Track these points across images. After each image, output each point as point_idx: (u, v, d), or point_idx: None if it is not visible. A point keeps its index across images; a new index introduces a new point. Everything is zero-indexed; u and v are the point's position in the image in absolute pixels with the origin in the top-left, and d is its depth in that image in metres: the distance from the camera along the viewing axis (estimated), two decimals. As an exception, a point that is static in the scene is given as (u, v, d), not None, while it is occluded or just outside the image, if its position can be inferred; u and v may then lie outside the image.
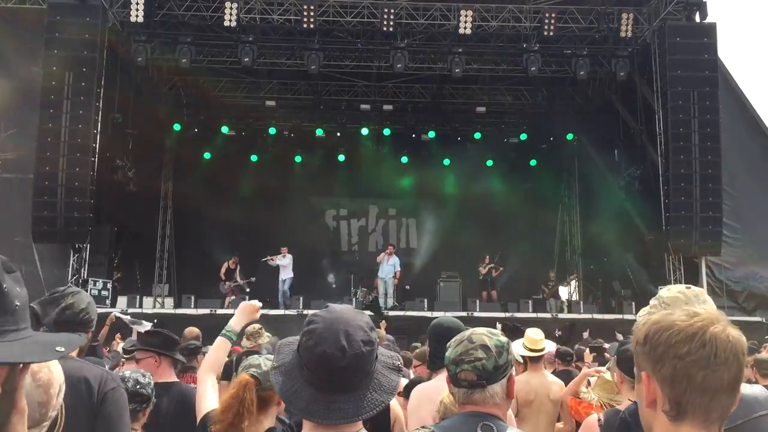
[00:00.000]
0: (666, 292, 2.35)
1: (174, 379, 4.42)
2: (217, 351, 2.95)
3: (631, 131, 18.03)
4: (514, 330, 7.04)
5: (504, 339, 2.31)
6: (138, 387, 3.30)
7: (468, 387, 2.21)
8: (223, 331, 3.04)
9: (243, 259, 17.88)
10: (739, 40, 52.17)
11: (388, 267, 17.65)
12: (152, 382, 3.45)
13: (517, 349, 5.48)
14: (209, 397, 2.81)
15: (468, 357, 2.22)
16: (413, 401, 3.57)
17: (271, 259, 17.70)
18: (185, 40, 16.33)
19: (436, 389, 3.24)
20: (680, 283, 15.27)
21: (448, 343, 2.34)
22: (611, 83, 18.32)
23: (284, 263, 17.63)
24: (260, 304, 3.28)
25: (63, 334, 1.36)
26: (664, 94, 15.70)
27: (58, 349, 1.25)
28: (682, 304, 2.26)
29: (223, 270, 17.59)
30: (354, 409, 1.62)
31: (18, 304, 1.20)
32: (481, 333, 2.32)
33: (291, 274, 17.62)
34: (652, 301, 2.37)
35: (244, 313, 3.13)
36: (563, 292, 19.55)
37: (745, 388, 2.17)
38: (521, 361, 5.42)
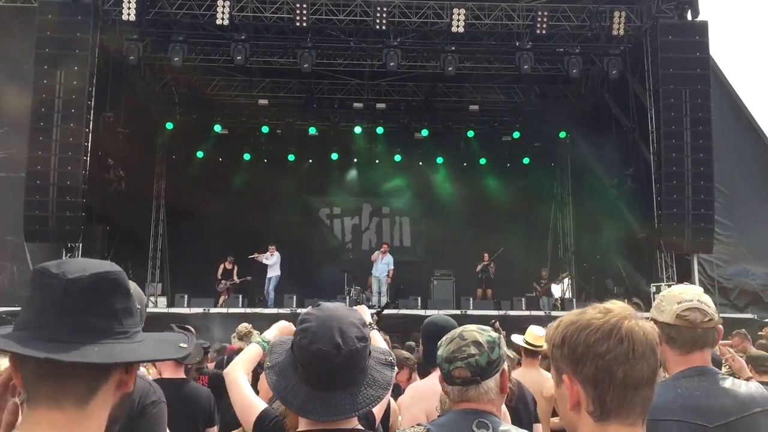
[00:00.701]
0: (666, 291, 2.38)
1: (182, 376, 4.45)
2: (251, 354, 2.87)
3: (623, 129, 18.09)
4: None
5: (495, 334, 2.32)
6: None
7: (462, 384, 2.21)
8: (259, 340, 3.02)
9: (237, 258, 17.88)
10: (731, 38, 52.39)
11: (382, 265, 17.69)
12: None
13: (517, 340, 5.52)
14: (254, 396, 2.71)
15: (461, 354, 2.23)
16: (406, 399, 3.57)
17: (258, 256, 17.70)
18: (177, 39, 16.28)
19: (430, 387, 3.25)
20: (672, 280, 15.38)
21: (440, 342, 2.34)
22: (604, 81, 18.37)
23: (271, 262, 17.63)
24: (293, 327, 3.27)
25: (175, 333, 1.42)
26: (656, 92, 15.75)
27: (182, 345, 1.35)
28: (676, 298, 2.28)
29: (219, 271, 17.59)
30: (350, 405, 1.63)
31: (139, 306, 1.32)
32: (471, 329, 2.32)
33: (278, 272, 17.63)
34: (654, 302, 2.39)
35: (279, 328, 3.11)
36: (556, 290, 19.59)
37: (741, 386, 2.19)
38: (512, 357, 5.44)
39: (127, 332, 1.27)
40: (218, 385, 5.78)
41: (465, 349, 2.23)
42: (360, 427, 1.71)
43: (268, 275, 17.61)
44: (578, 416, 1.42)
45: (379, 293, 17.42)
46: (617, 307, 1.43)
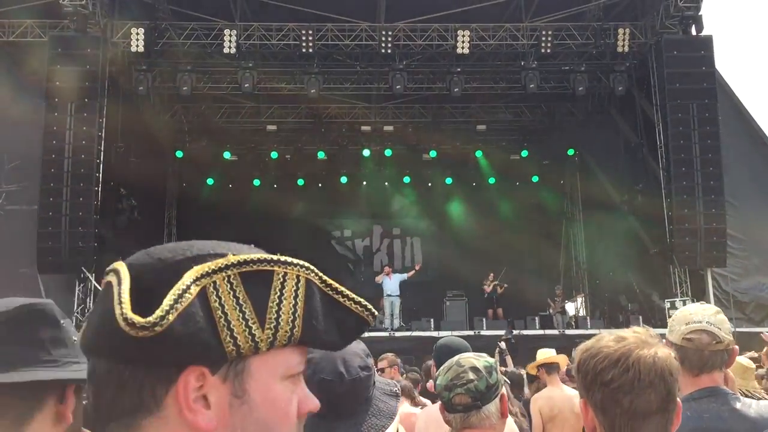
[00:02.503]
0: (679, 310, 2.37)
1: None
2: None
3: (632, 145, 18.06)
4: (512, 345, 7.03)
5: (491, 359, 2.35)
6: None
7: (463, 410, 2.22)
8: None
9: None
10: (737, 51, 52.41)
11: (392, 283, 17.54)
12: None
13: (531, 370, 5.50)
14: None
15: (460, 381, 2.24)
16: (420, 423, 3.56)
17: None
18: (185, 68, 16.47)
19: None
20: (686, 295, 15.27)
21: (439, 371, 2.36)
22: (610, 98, 18.40)
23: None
24: None
25: None
26: (663, 107, 15.75)
27: None
28: (686, 318, 2.26)
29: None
30: None
31: (75, 339, 1.30)
32: (468, 356, 2.36)
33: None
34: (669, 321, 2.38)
35: None
36: (570, 308, 19.46)
37: (751, 406, 2.16)
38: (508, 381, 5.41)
39: (57, 361, 1.27)
40: None
41: (463, 375, 2.25)
42: None
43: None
44: None
45: (392, 315, 17.32)
46: (633, 335, 1.44)
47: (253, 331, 0.81)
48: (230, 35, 15.81)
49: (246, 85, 16.25)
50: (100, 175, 15.27)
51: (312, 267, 0.90)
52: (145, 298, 0.77)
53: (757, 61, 57.12)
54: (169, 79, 17.02)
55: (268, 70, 17.38)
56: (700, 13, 15.75)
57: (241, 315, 0.80)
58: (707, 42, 15.75)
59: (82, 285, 15.55)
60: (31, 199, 15.29)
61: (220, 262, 0.83)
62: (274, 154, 20.67)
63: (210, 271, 0.81)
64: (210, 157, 20.70)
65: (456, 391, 2.23)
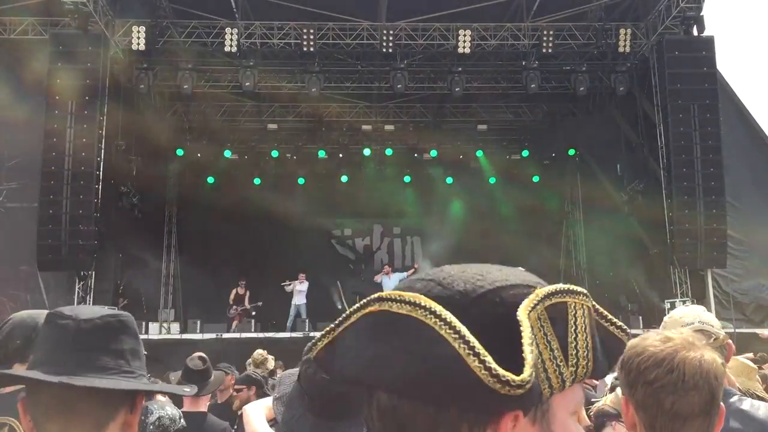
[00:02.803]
0: (668, 316, 2.35)
1: (201, 409, 4.45)
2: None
3: (632, 145, 18.06)
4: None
5: None
6: (160, 421, 3.36)
7: None
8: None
9: (249, 283, 17.90)
10: (739, 51, 52.40)
11: (391, 283, 17.53)
12: (176, 414, 3.49)
13: None
14: (268, 430, 2.69)
15: None
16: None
17: (288, 283, 17.70)
18: (186, 67, 16.47)
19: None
20: (686, 296, 15.27)
21: None
22: (611, 98, 18.37)
23: (301, 288, 17.61)
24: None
25: (183, 386, 1.56)
26: (665, 107, 15.75)
27: (186, 389, 1.59)
28: (678, 322, 2.25)
29: (232, 296, 17.58)
30: None
31: (145, 353, 1.41)
32: None
33: (304, 300, 17.56)
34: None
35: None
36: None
37: (759, 408, 2.15)
38: None
39: (134, 372, 1.32)
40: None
41: None
42: None
43: (295, 302, 17.53)
44: None
45: None
46: (679, 335, 1.43)
47: (562, 370, 0.78)
48: (231, 34, 15.81)
49: (247, 84, 16.24)
50: (101, 173, 15.27)
51: (587, 294, 0.85)
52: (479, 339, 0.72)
53: (759, 62, 57.10)
54: (170, 78, 17.00)
55: (269, 68, 17.37)
56: (701, 14, 15.73)
57: (551, 353, 0.78)
58: (709, 42, 15.74)
59: (82, 283, 15.55)
60: (31, 196, 15.29)
61: (534, 297, 0.78)
62: (274, 153, 20.65)
63: (531, 308, 0.76)
64: (210, 156, 20.68)
65: None
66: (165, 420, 3.36)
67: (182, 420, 3.53)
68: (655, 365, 1.37)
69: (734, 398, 2.18)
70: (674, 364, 1.36)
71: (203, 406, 4.48)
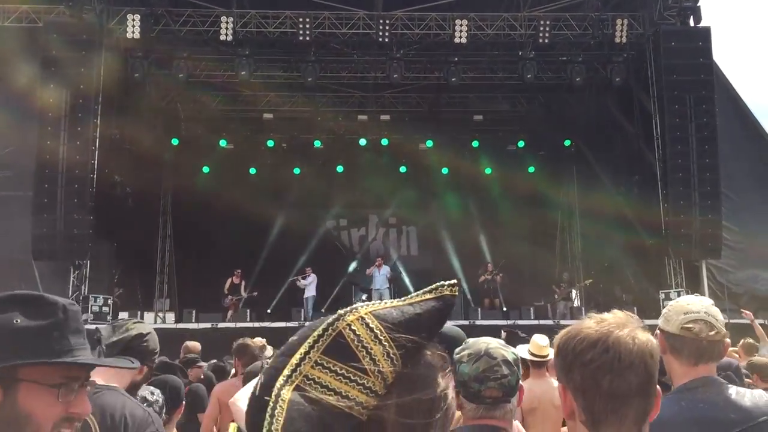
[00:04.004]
0: (675, 301, 2.35)
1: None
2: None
3: (628, 136, 18.06)
4: (516, 336, 7.03)
5: (514, 350, 2.31)
6: (144, 404, 3.33)
7: (492, 403, 2.19)
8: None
9: (244, 272, 17.91)
10: (735, 43, 52.39)
11: (381, 277, 17.62)
12: (161, 399, 3.47)
13: (522, 353, 5.46)
14: None
15: (494, 374, 2.20)
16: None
17: (298, 279, 17.76)
18: (182, 55, 16.40)
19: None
20: (681, 287, 15.31)
21: (460, 357, 2.30)
22: (607, 89, 18.35)
23: (308, 282, 17.69)
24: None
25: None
26: (661, 98, 15.75)
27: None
28: (683, 309, 2.25)
29: (227, 285, 17.56)
30: None
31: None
32: (496, 347, 2.30)
33: (314, 293, 17.65)
34: (663, 312, 2.36)
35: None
36: (574, 294, 19.46)
37: (745, 395, 2.16)
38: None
39: (87, 349, 1.51)
40: (193, 400, 5.76)
41: (497, 369, 2.21)
42: None
43: (306, 295, 17.63)
44: (575, 426, 1.41)
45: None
46: (614, 317, 1.42)
47: (367, 384, 0.96)
48: (227, 23, 15.73)
49: (242, 73, 16.19)
50: (95, 162, 15.22)
51: (354, 308, 1.01)
52: None
53: (756, 53, 57.11)
54: (165, 66, 16.92)
55: (265, 58, 17.30)
56: (698, 4, 15.74)
57: (345, 379, 0.95)
58: (705, 33, 15.73)
59: (76, 272, 15.53)
60: (26, 185, 15.23)
61: (290, 366, 0.96)
62: (270, 143, 20.60)
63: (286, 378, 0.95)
64: (206, 145, 20.63)
65: (488, 384, 2.20)
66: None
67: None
68: (590, 346, 1.37)
69: (721, 387, 2.19)
70: (609, 344, 1.36)
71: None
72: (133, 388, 2.92)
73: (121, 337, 2.81)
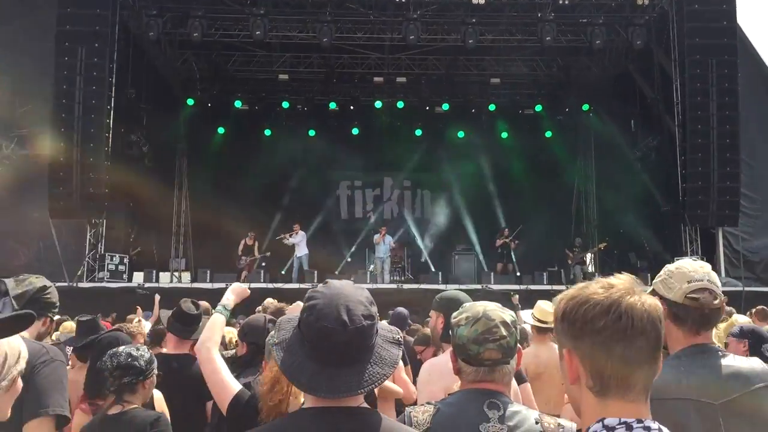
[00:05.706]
0: (674, 266, 2.32)
1: (185, 351, 4.47)
2: (215, 326, 2.92)
3: (647, 101, 17.79)
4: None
5: (512, 312, 2.31)
6: (130, 360, 3.39)
7: (491, 365, 2.20)
8: (218, 308, 3.08)
9: (259, 233, 18.00)
10: (760, 6, 51.14)
11: (384, 247, 17.62)
12: (147, 354, 3.50)
13: (526, 318, 5.47)
14: (229, 376, 2.73)
15: (492, 336, 2.20)
16: (424, 375, 3.55)
17: (285, 237, 17.74)
18: (196, 14, 16.23)
19: (448, 364, 3.23)
20: (696, 254, 15.22)
21: (458, 321, 2.30)
22: (628, 52, 18.01)
23: (296, 240, 17.66)
24: (247, 286, 3.39)
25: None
26: (682, 62, 15.48)
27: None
28: (686, 276, 2.23)
29: (240, 247, 17.65)
30: (356, 382, 1.63)
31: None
32: (494, 309, 2.30)
33: (305, 251, 17.63)
34: (661, 277, 2.33)
35: (235, 292, 3.20)
36: (588, 259, 19.40)
37: (743, 362, 2.18)
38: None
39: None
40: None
41: (495, 330, 2.21)
42: (366, 405, 1.71)
43: (297, 254, 17.62)
44: (579, 391, 1.41)
45: (383, 271, 17.35)
46: (620, 281, 1.40)
47: None
48: (242, -19, 15.54)
49: (257, 33, 16.02)
50: (111, 122, 15.25)
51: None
52: None
53: (781, 17, 55.68)
54: (180, 25, 16.79)
55: (280, 17, 17.11)
56: (723, -34, 15.34)
57: None
58: (730, -5, 15.36)
59: (93, 230, 15.68)
60: (42, 144, 15.31)
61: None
62: (285, 104, 20.54)
63: None
64: (221, 106, 20.61)
65: (487, 345, 2.19)
66: (121, 357, 3.39)
67: (152, 363, 3.50)
68: (603, 313, 1.35)
69: (717, 353, 2.21)
70: (622, 311, 1.35)
71: (189, 349, 4.48)
72: (38, 339, 3.09)
73: (25, 290, 2.96)
